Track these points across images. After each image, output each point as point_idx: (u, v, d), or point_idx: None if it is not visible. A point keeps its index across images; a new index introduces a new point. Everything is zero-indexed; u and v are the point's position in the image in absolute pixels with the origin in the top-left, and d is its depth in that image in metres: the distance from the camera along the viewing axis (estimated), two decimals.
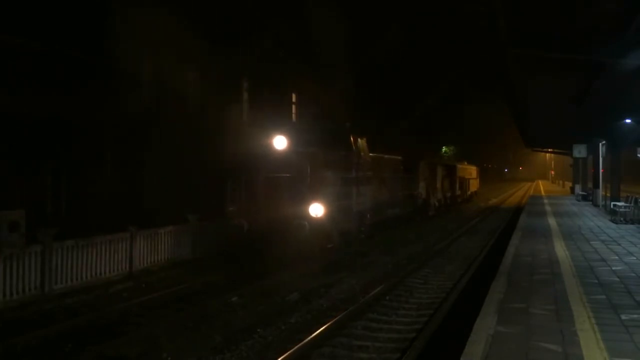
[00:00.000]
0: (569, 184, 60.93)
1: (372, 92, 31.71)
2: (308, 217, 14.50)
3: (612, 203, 24.86)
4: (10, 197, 14.53)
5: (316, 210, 14.58)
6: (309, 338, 8.98)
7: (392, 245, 20.29)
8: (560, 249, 14.63)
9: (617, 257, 13.30)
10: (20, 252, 11.60)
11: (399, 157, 24.84)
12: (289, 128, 16.09)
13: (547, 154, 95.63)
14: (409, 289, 13.49)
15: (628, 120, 22.52)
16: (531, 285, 10.09)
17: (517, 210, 35.60)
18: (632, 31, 11.09)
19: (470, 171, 50.53)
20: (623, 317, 7.90)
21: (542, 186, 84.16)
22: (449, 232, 25.59)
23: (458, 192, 42.10)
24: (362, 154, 18.41)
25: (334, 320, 10.05)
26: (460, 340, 6.92)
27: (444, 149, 57.77)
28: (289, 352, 8.32)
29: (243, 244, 14.75)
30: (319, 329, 9.48)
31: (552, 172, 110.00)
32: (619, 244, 15.64)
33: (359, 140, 18.10)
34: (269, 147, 15.28)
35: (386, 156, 22.65)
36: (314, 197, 14.70)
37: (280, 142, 15.20)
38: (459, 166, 43.77)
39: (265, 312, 11.09)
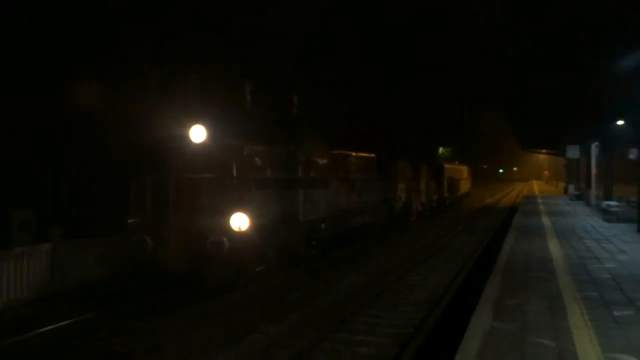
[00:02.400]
0: (562, 184, 60.99)
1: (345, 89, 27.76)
2: (228, 232, 10.95)
3: (605, 203, 24.93)
4: None
5: (239, 222, 11.05)
6: None
7: (349, 262, 16.23)
8: (554, 248, 14.67)
9: (609, 255, 13.34)
10: None
11: (372, 155, 20.98)
12: (213, 116, 12.02)
13: (541, 155, 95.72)
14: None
15: (620, 122, 22.56)
16: (526, 283, 10.13)
17: (512, 210, 35.62)
18: (628, 33, 11.15)
19: (460, 171, 47.42)
20: (615, 313, 7.94)
21: (536, 186, 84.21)
22: (428, 244, 20.60)
23: (446, 194, 38.90)
24: (313, 150, 15.09)
25: None
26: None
27: (440, 149, 57.49)
28: None
29: (144, 269, 11.46)
30: None
31: (546, 173, 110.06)
32: (611, 242, 15.68)
33: (306, 133, 14.71)
34: (182, 139, 11.54)
35: (353, 153, 19.02)
36: (236, 205, 11.13)
37: (197, 133, 11.45)
38: (447, 166, 40.33)
39: None
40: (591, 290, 9.47)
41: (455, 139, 61.20)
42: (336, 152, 17.03)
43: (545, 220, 23.17)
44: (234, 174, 11.48)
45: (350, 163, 18.65)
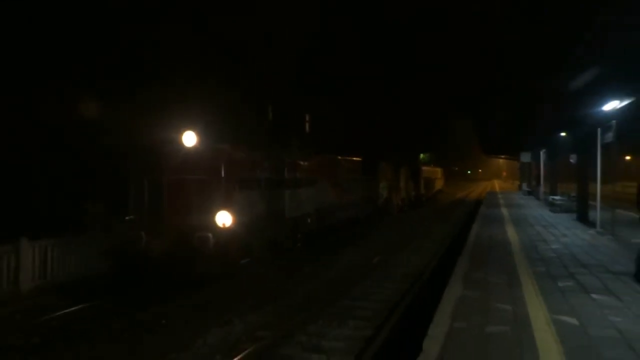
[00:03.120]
0: (517, 183, 60.74)
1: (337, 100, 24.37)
2: (213, 228, 9.98)
3: (551, 197, 24.88)
4: None
5: (223, 219, 10.12)
6: None
7: (333, 252, 14.51)
8: (511, 232, 14.68)
9: (554, 238, 13.34)
10: None
11: (358, 159, 20.01)
12: (202, 122, 10.78)
13: (501, 160, 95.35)
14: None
15: (563, 134, 22.51)
16: (489, 260, 10.16)
17: (478, 203, 35.58)
18: (569, 65, 11.12)
19: (435, 172, 46.88)
20: (559, 284, 7.97)
21: (497, 184, 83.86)
22: (407, 233, 19.32)
23: (423, 191, 37.79)
24: (300, 154, 14.03)
25: None
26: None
27: (421, 155, 57.39)
28: None
29: (138, 263, 10.18)
30: None
31: (504, 173, 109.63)
32: (556, 228, 15.67)
33: (293, 139, 13.72)
34: (175, 144, 10.52)
35: (339, 157, 17.90)
36: (221, 204, 10.22)
37: (188, 138, 10.43)
38: (424, 168, 39.53)
39: None
40: (540, 266, 9.50)
41: (433, 145, 60.84)
42: (322, 155, 15.85)
43: (504, 211, 23.12)
44: (221, 175, 10.42)
45: (336, 165, 17.58)
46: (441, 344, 5.24)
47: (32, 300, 9.63)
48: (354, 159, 19.46)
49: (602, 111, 12.83)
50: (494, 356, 4.96)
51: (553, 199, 23.81)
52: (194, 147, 10.40)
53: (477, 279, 8.31)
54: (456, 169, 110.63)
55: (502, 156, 68.39)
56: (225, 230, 10.10)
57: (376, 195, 23.03)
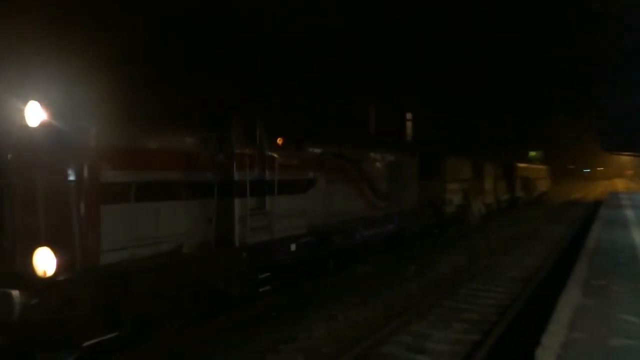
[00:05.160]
0: None
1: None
2: (26, 280, 5.28)
3: None
4: None
5: (47, 263, 5.29)
6: None
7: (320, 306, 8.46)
8: (637, 237, 13.33)
9: None
10: None
11: (407, 152, 14.46)
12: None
13: (624, 157, 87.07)
14: None
15: None
16: (611, 267, 9.31)
17: (597, 204, 32.72)
18: None
19: (538, 171, 37.60)
20: None
21: (620, 184, 76.68)
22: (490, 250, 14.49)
23: (519, 194, 30.48)
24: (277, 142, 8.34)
25: None
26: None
27: (531, 153, 53.85)
28: None
29: None
30: None
31: (630, 172, 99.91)
32: None
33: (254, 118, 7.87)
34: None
35: (366, 149, 12.09)
36: (44, 233, 5.39)
37: (31, 114, 5.51)
38: (520, 165, 31.17)
39: None
40: None
41: (543, 143, 56.97)
42: (337, 145, 10.51)
43: (629, 213, 21.06)
44: (43, 178, 5.50)
45: (360, 160, 11.55)
46: (557, 355, 4.89)
47: None
48: (399, 151, 13.97)
49: None
50: None
51: None
52: (40, 128, 5.50)
53: (598, 287, 7.65)
54: (572, 167, 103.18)
55: (626, 153, 62.41)
56: (53, 284, 5.26)
57: (441, 201, 17.41)
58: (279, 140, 8.58)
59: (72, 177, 5.56)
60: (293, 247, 8.76)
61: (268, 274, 8.10)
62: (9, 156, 5.59)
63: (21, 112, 5.59)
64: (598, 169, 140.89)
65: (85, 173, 5.64)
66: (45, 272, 5.31)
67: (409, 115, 19.82)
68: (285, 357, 6.40)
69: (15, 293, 5.18)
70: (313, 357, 6.42)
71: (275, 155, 8.20)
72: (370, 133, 15.07)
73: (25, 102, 5.60)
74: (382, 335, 7.15)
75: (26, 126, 5.55)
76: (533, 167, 37.65)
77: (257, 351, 6.48)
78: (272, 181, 8.10)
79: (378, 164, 12.65)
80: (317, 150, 9.91)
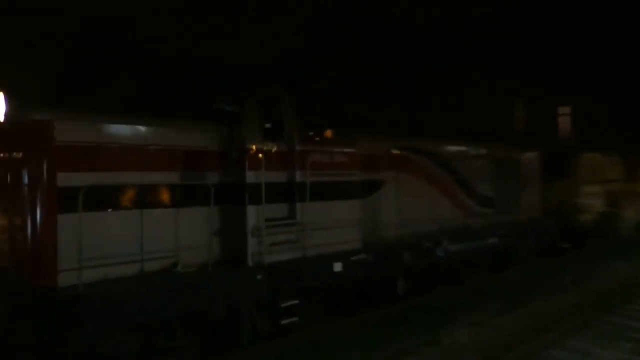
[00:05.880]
0: None
1: None
2: None
3: None
4: None
5: None
6: None
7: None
8: None
9: None
10: None
11: (525, 145, 12.59)
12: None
13: None
14: None
15: None
16: None
17: None
18: None
19: None
20: None
21: None
22: None
23: None
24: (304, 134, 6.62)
25: None
26: None
27: None
28: None
29: None
30: None
31: None
32: None
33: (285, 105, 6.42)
34: None
35: (460, 145, 10.31)
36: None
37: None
38: None
39: None
40: None
41: None
42: (406, 141, 8.68)
43: None
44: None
45: (454, 158, 9.81)
46: None
47: None
48: (517, 146, 12.11)
49: None
50: None
51: None
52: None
53: None
54: None
55: None
56: None
57: (573, 207, 14.17)
58: (328, 133, 6.83)
59: (25, 180, 4.64)
60: (338, 267, 6.92)
61: (296, 301, 6.31)
62: None
63: None
64: None
65: (44, 174, 4.60)
66: None
67: (565, 110, 17.95)
68: None
69: None
70: None
71: (310, 151, 6.50)
72: (477, 125, 13.06)
73: None
74: None
75: None
76: None
77: None
78: (304, 184, 6.38)
79: (478, 162, 10.60)
80: (384, 145, 8.06)
